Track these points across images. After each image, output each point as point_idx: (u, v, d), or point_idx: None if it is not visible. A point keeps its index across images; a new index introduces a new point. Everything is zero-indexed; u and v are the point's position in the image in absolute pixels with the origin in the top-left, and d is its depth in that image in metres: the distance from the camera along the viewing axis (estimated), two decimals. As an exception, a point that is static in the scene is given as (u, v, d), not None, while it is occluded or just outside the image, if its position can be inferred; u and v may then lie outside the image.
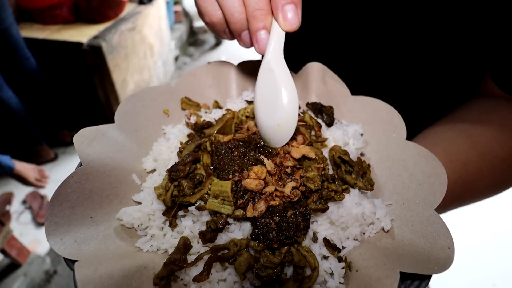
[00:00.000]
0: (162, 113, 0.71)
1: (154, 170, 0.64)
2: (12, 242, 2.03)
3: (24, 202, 2.69)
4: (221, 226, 0.51)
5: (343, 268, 0.51)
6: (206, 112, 0.73)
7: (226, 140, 0.61)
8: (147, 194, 0.59)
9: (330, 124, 0.69)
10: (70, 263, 0.46)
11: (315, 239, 0.54)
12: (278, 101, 0.57)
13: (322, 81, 0.74)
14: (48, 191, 2.71)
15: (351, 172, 0.60)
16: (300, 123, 0.65)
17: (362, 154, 0.68)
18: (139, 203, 0.59)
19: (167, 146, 0.65)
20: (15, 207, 2.67)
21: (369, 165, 0.63)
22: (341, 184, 0.59)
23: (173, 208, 0.56)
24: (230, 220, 0.53)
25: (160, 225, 0.56)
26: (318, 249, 0.53)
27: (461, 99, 0.78)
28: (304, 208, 0.53)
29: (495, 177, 0.68)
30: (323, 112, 0.70)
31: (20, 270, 2.13)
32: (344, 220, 0.55)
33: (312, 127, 0.66)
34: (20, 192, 2.69)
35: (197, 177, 0.56)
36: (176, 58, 4.87)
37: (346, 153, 0.60)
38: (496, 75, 0.69)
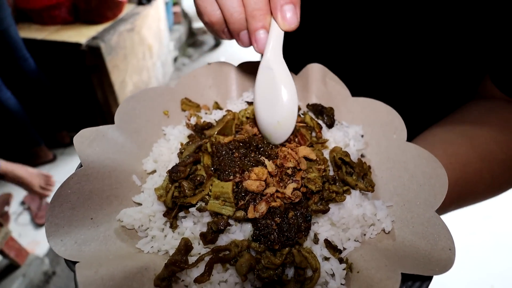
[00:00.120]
0: (162, 114, 0.71)
1: (154, 171, 0.64)
2: (11, 243, 2.02)
3: (22, 203, 2.68)
4: (222, 227, 0.51)
5: (344, 269, 0.52)
6: (206, 113, 0.73)
7: (226, 141, 0.61)
8: (147, 195, 0.59)
9: (330, 125, 0.69)
10: (71, 264, 0.46)
11: (316, 240, 0.54)
12: (277, 99, 0.58)
13: (323, 82, 0.75)
14: (48, 192, 2.70)
15: (352, 174, 0.60)
16: (301, 124, 0.66)
17: (362, 156, 0.68)
18: (140, 204, 0.59)
19: (168, 147, 0.65)
20: (13, 208, 2.66)
21: (369, 167, 0.63)
22: (342, 185, 0.59)
23: (174, 209, 0.56)
24: (231, 221, 0.53)
25: (160, 226, 0.56)
26: (319, 250, 0.53)
27: (460, 101, 0.79)
28: (305, 209, 0.53)
29: (494, 178, 0.68)
30: (323, 114, 0.70)
31: (18, 271, 2.11)
32: (345, 221, 0.55)
33: (312, 128, 0.66)
34: (19, 193, 2.68)
35: (198, 178, 0.56)
36: (175, 59, 4.87)
37: (347, 154, 0.60)
38: (496, 76, 0.70)
